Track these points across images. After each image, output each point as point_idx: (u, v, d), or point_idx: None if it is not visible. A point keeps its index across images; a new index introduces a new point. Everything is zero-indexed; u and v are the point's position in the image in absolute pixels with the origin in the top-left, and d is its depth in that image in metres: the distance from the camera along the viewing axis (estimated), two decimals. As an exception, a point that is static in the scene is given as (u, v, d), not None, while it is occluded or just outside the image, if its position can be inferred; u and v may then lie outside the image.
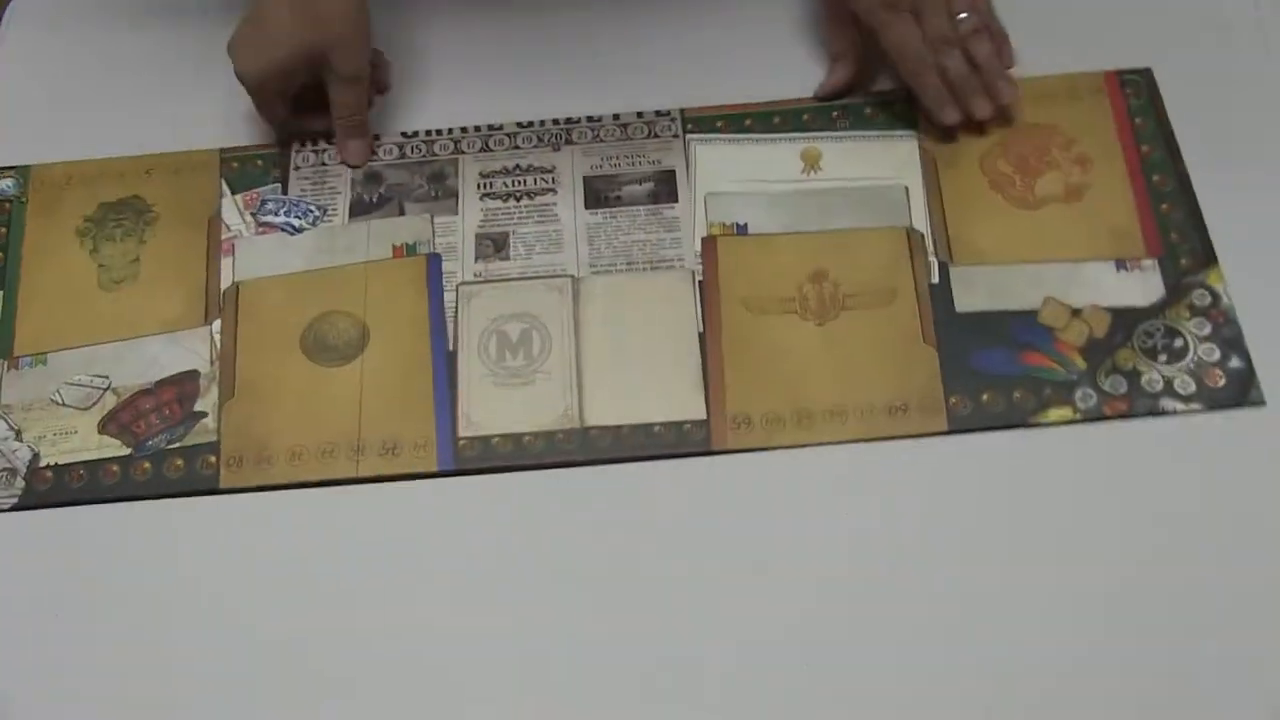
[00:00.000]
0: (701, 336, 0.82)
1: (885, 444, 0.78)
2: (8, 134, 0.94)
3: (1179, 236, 0.83)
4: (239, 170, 0.91)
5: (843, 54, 0.89)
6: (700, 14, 0.95)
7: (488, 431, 0.79)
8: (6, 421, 0.82)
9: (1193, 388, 0.78)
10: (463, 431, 0.80)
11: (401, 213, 0.88)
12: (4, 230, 0.89)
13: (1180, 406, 0.78)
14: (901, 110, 0.89)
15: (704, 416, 0.79)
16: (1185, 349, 0.79)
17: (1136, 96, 0.89)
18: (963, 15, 0.84)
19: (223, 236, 0.88)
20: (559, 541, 0.77)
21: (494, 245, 0.86)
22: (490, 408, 0.80)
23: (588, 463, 0.79)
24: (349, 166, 0.90)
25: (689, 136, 0.89)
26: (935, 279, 0.83)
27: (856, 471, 0.78)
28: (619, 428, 0.79)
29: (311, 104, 0.89)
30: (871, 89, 0.91)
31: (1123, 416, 0.78)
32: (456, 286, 0.85)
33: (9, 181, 0.92)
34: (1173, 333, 0.80)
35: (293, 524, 0.78)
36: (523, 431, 0.79)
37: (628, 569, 0.76)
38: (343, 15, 0.85)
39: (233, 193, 0.90)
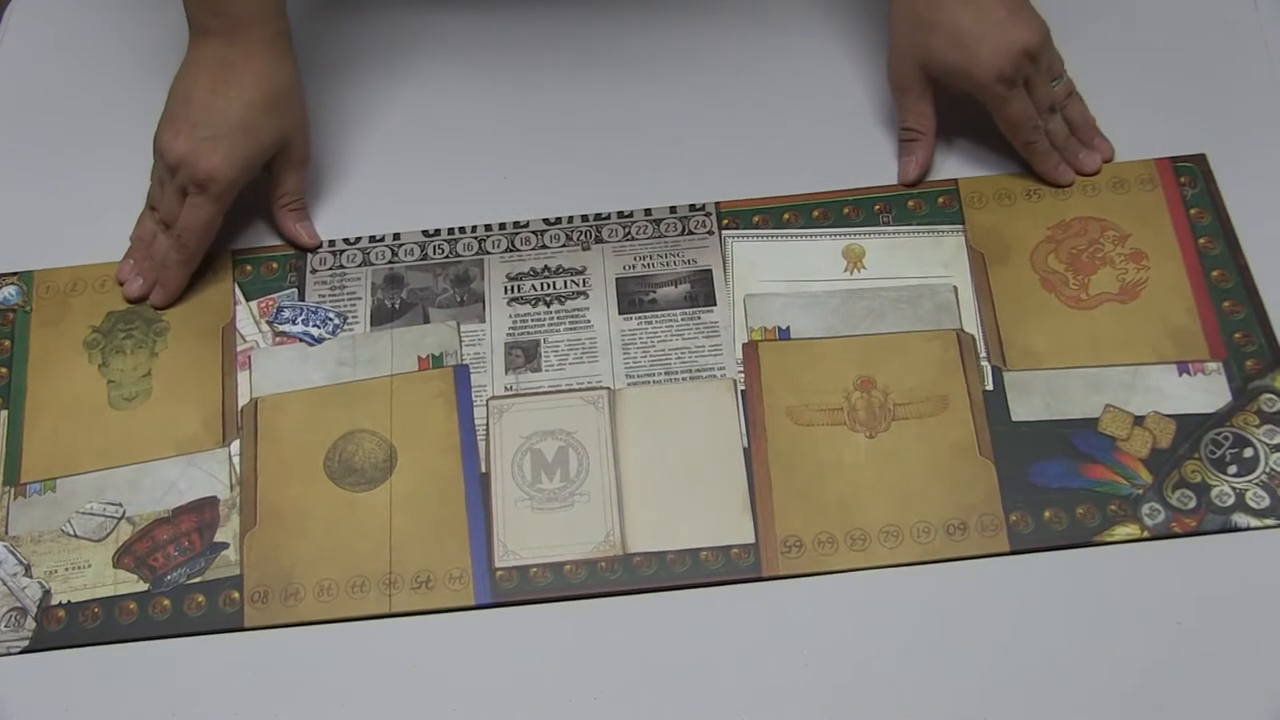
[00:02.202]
0: (746, 451, 0.78)
1: (944, 565, 0.75)
2: (7, 235, 0.90)
3: (1243, 337, 0.79)
4: (252, 274, 0.87)
5: (923, 131, 0.86)
6: (734, 101, 0.91)
7: (525, 561, 0.75)
8: (15, 555, 0.78)
9: (1267, 501, 0.74)
10: (499, 561, 0.76)
11: (426, 320, 0.84)
12: (8, 343, 0.85)
13: (1254, 522, 0.74)
14: (947, 203, 0.86)
15: (753, 540, 0.75)
16: (1256, 459, 0.76)
17: (1192, 185, 0.85)
18: (1056, 79, 0.84)
19: (238, 348, 0.84)
20: (605, 676, 0.73)
21: (524, 355, 0.82)
22: (527, 535, 0.76)
23: (632, 592, 0.75)
24: (305, 250, 0.87)
25: (725, 233, 0.86)
26: (989, 385, 0.79)
27: (914, 597, 0.74)
28: (664, 554, 0.75)
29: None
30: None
31: (1193, 534, 0.74)
32: (486, 401, 0.80)
33: (11, 289, 0.87)
34: (1242, 441, 0.76)
35: (322, 661, 0.74)
36: (563, 560, 0.75)
37: (678, 704, 0.72)
38: (299, 101, 0.86)
39: (247, 299, 0.86)
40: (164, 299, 0.85)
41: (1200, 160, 0.86)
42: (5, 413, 0.82)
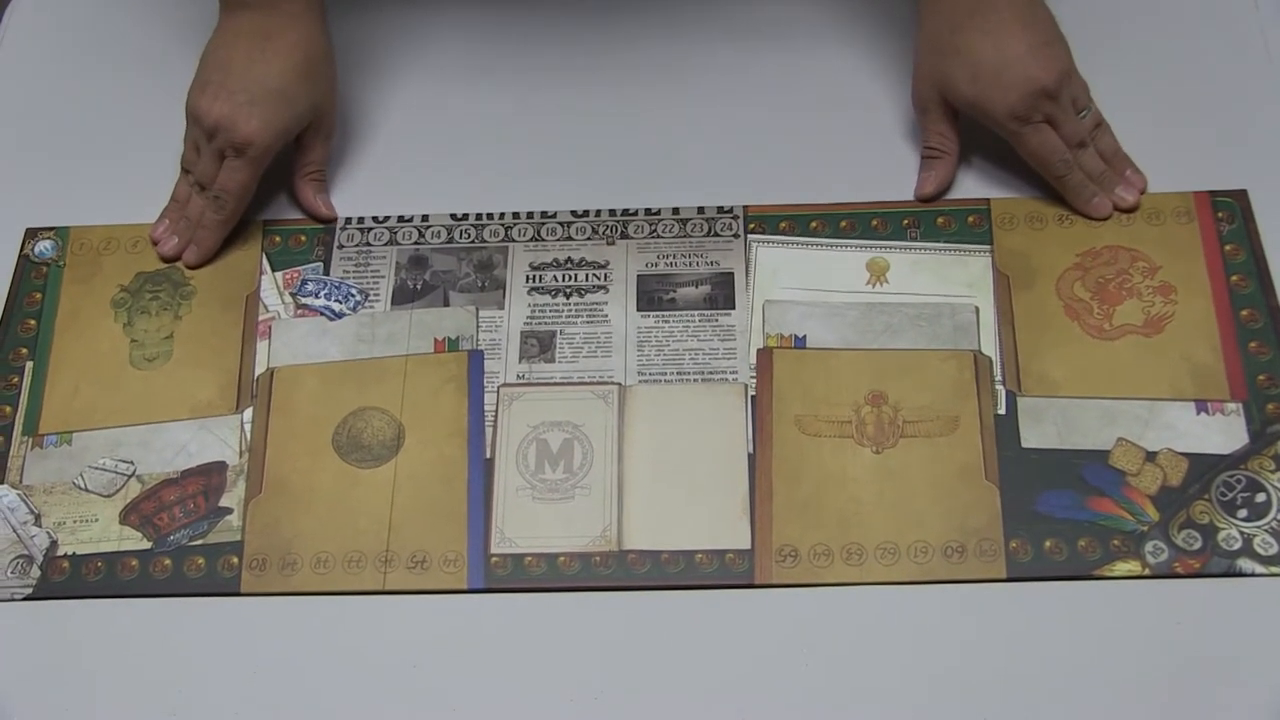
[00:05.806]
0: (751, 457, 0.78)
1: (938, 587, 0.74)
2: (46, 190, 0.92)
3: (1267, 379, 0.78)
4: (281, 245, 0.87)
5: (945, 150, 0.85)
6: (768, 107, 0.91)
7: (521, 549, 0.76)
8: (27, 504, 0.79)
9: (1275, 548, 0.73)
10: (495, 548, 0.76)
11: (446, 303, 0.84)
12: (39, 295, 0.87)
13: (1259, 569, 0.73)
14: (976, 222, 0.85)
15: (748, 546, 0.75)
16: (1268, 505, 0.74)
17: (1229, 221, 0.83)
18: (1083, 111, 0.83)
19: (260, 317, 0.85)
20: (590, 670, 0.73)
21: (539, 345, 0.82)
22: (525, 523, 0.77)
23: (624, 588, 0.75)
24: (320, 221, 0.88)
25: (750, 237, 0.85)
26: (1002, 409, 0.78)
27: (906, 617, 0.73)
28: (659, 553, 0.75)
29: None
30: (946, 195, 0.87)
31: (1195, 575, 0.73)
32: (498, 388, 0.81)
33: (48, 243, 0.89)
34: (1255, 486, 0.75)
35: (313, 632, 0.75)
36: (558, 552, 0.76)
37: (662, 703, 0.72)
38: (332, 71, 0.87)
39: (273, 270, 0.87)
40: (197, 258, 0.87)
41: (1241, 196, 0.84)
42: (31, 364, 0.84)
